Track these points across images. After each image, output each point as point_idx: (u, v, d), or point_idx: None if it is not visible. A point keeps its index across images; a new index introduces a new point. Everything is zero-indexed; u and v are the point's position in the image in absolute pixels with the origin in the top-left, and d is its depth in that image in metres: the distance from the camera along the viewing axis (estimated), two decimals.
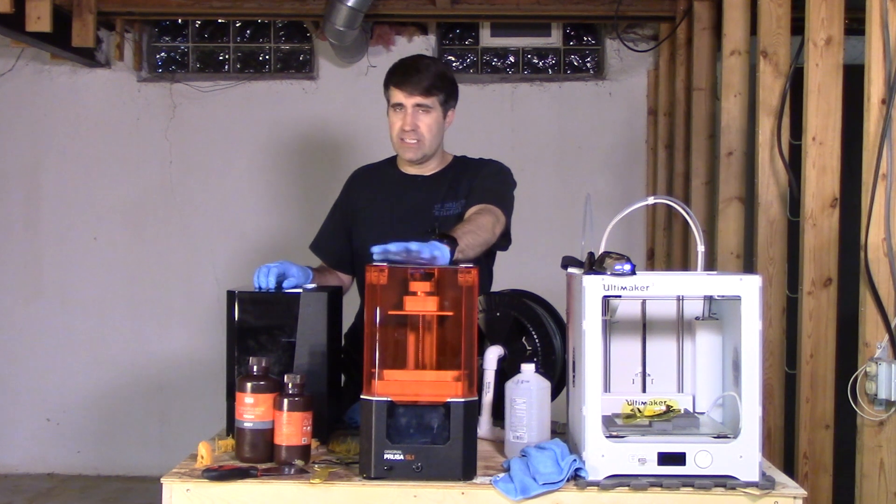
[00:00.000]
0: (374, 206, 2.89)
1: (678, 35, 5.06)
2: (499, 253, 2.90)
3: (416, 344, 2.09)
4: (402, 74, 2.77)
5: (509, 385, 2.20)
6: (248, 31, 5.99)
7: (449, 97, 2.81)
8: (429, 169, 2.88)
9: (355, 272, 2.93)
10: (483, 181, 2.81)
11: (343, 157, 5.58)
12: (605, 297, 2.03)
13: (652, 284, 2.02)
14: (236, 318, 2.35)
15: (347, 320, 2.73)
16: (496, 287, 2.84)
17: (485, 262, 2.85)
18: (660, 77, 5.49)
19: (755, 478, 1.98)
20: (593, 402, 2.00)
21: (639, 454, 1.99)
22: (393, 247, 2.13)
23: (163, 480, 2.04)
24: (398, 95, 2.76)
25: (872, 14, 2.77)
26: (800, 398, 3.26)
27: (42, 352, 5.82)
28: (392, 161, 2.95)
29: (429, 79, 2.76)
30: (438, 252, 2.17)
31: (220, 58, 6.00)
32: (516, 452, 2.12)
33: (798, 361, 3.28)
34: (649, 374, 2.29)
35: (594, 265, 2.09)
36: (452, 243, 2.27)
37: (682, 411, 2.21)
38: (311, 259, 2.99)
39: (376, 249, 2.14)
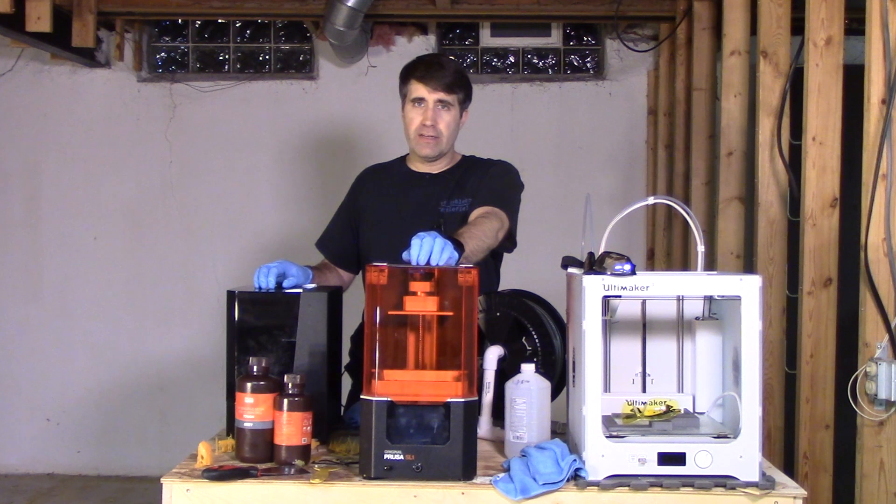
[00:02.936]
0: (381, 204, 2.90)
1: (678, 35, 5.06)
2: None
3: (416, 344, 2.09)
4: (426, 69, 2.78)
5: (509, 385, 2.20)
6: (248, 31, 5.99)
7: (466, 97, 2.85)
8: (437, 167, 2.88)
9: (361, 270, 2.93)
10: (490, 181, 2.80)
11: (343, 156, 5.58)
12: (605, 297, 2.02)
13: (652, 284, 2.02)
14: (236, 318, 2.35)
15: (348, 319, 2.71)
16: None
17: (492, 263, 2.86)
18: (660, 77, 5.49)
19: (755, 478, 1.98)
20: (593, 402, 2.00)
21: (639, 454, 1.99)
22: (415, 256, 2.12)
23: (163, 480, 2.04)
24: (420, 90, 2.77)
25: (872, 14, 2.77)
26: (800, 398, 3.26)
27: (42, 352, 5.82)
28: (402, 159, 2.96)
29: (451, 76, 2.79)
30: (450, 259, 2.17)
31: (220, 58, 6.00)
32: (516, 452, 2.12)
33: (798, 361, 3.28)
34: (649, 374, 2.29)
35: (594, 265, 2.09)
36: (460, 248, 2.27)
37: (682, 411, 2.21)
38: (312, 258, 2.99)
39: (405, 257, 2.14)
